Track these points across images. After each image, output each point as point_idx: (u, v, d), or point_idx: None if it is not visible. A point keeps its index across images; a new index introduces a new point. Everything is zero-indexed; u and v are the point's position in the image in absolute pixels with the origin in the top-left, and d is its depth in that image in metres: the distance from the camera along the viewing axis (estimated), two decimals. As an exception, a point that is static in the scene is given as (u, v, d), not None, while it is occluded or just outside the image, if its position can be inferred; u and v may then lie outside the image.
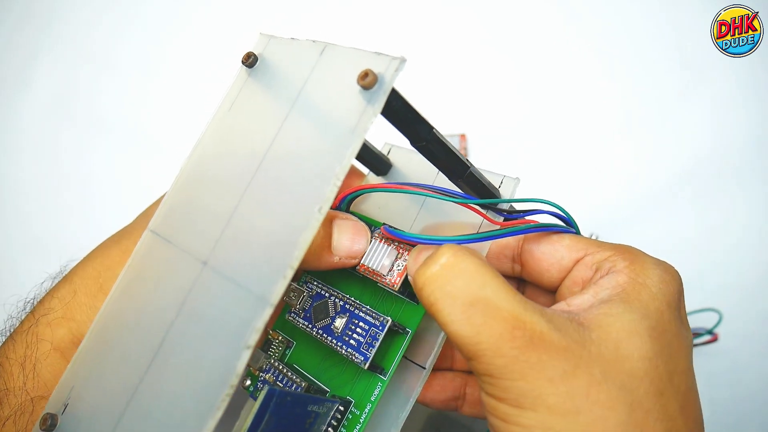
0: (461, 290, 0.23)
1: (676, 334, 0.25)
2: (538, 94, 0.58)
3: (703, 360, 0.50)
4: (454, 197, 0.28)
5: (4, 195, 0.60)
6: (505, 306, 0.23)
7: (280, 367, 0.31)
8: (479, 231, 0.31)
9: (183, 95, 0.63)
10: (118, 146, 0.63)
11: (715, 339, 0.46)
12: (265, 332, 0.34)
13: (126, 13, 0.65)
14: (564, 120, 0.57)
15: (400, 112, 0.24)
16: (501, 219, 0.30)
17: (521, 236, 0.31)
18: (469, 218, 0.31)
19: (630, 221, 0.55)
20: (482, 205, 0.29)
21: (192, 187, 0.27)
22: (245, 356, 0.21)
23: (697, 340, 0.46)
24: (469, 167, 0.28)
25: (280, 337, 0.33)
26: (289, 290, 0.32)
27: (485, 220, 0.30)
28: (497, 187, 0.31)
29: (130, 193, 0.59)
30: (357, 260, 0.30)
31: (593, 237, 0.52)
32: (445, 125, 0.57)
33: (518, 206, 0.31)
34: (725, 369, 0.50)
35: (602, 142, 0.56)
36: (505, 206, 0.30)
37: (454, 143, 0.40)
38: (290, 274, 0.22)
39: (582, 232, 0.53)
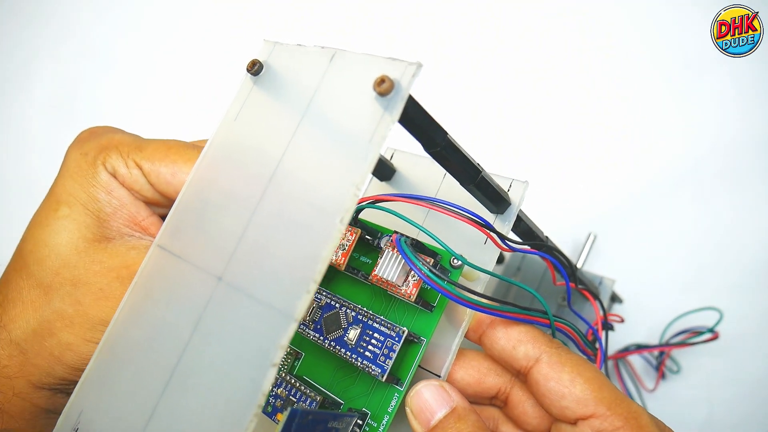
0: None
1: None
2: (538, 94, 0.58)
3: (704, 359, 0.50)
4: (464, 214, 0.28)
5: (6, 195, 0.57)
6: None
7: (291, 380, 0.30)
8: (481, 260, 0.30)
9: (184, 96, 0.62)
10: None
11: (716, 337, 0.46)
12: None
13: (130, 14, 0.64)
14: (564, 120, 0.57)
15: (416, 119, 0.23)
16: (504, 245, 0.30)
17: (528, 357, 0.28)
18: (472, 231, 0.30)
19: (630, 220, 0.55)
20: (488, 228, 0.28)
21: (199, 201, 0.27)
22: (271, 374, 0.21)
23: (697, 339, 0.47)
24: (480, 172, 0.28)
25: (288, 349, 0.32)
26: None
27: (489, 239, 0.30)
28: (506, 190, 0.31)
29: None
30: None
31: (591, 236, 0.52)
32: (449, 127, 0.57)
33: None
34: (726, 367, 0.50)
35: (602, 141, 0.57)
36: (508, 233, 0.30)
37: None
38: (313, 288, 0.21)
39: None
